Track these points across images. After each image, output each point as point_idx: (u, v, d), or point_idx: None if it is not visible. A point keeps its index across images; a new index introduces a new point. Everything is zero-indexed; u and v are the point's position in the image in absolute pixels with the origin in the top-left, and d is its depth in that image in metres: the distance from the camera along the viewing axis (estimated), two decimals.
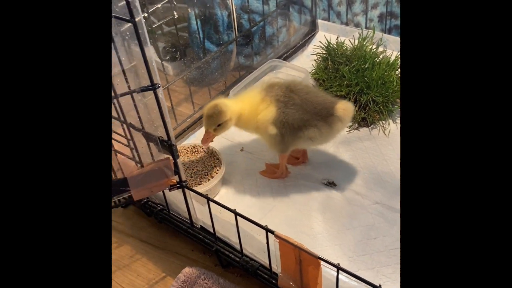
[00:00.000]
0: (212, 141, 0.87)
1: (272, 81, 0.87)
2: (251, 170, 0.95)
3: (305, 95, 0.83)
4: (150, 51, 0.58)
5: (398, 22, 1.21)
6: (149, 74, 0.59)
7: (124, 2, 0.55)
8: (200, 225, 0.79)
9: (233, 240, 0.75)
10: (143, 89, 0.60)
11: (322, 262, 0.59)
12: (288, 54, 1.26)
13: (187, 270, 0.76)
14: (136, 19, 0.54)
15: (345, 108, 0.82)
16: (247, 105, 0.83)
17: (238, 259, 0.72)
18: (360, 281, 0.56)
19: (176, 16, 1.03)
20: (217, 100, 0.82)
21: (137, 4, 0.54)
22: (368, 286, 0.55)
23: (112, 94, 0.62)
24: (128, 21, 0.54)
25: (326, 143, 0.89)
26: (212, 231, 0.75)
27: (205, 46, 1.11)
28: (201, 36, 1.10)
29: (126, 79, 0.61)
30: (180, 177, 0.71)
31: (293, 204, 0.86)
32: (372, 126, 1.02)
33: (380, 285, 0.54)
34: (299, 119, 0.81)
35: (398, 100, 1.05)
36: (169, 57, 1.16)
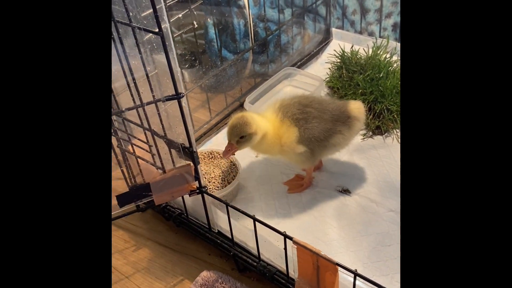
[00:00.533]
0: (234, 154, 0.84)
1: (283, 100, 0.85)
2: (267, 175, 0.97)
3: (319, 105, 0.83)
4: (176, 62, 0.60)
5: None
6: (174, 84, 0.61)
7: (149, 11, 0.58)
8: (218, 230, 0.81)
9: (251, 245, 0.76)
10: (168, 98, 0.62)
11: (339, 268, 0.61)
12: (303, 62, 1.28)
13: (205, 273, 0.78)
14: (163, 30, 0.56)
15: (357, 107, 0.85)
16: (270, 128, 0.80)
17: (255, 263, 0.74)
18: (376, 287, 0.57)
19: (196, 25, 1.06)
20: (244, 112, 0.80)
21: (165, 16, 0.56)
22: None
23: (138, 102, 0.64)
24: (155, 33, 0.56)
25: (347, 146, 0.90)
26: (230, 236, 0.77)
27: (222, 54, 1.14)
28: (219, 44, 1.12)
29: (151, 88, 0.63)
30: (200, 183, 0.73)
31: (309, 211, 0.88)
32: (386, 134, 1.03)
33: None
34: (323, 130, 0.81)
35: None
36: (188, 65, 1.19)
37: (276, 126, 0.80)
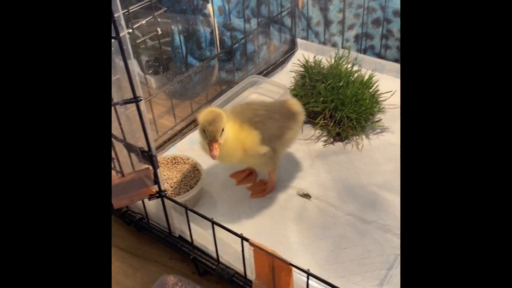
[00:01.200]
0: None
1: (234, 108, 0.87)
2: (230, 180, 0.98)
3: (267, 108, 0.88)
4: (134, 65, 0.61)
5: (373, 42, 1.27)
6: (132, 88, 0.62)
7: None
8: (179, 234, 0.82)
9: (210, 248, 0.77)
10: (126, 102, 0.63)
11: (293, 269, 0.62)
12: (269, 70, 1.31)
13: (164, 277, 0.79)
14: (121, 35, 0.58)
15: (295, 102, 0.91)
16: (231, 133, 0.80)
17: (214, 266, 0.75)
18: (329, 287, 0.59)
19: (160, 32, 1.07)
20: (208, 108, 0.79)
21: (122, 22, 0.57)
22: None
23: None
24: (113, 38, 0.57)
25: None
26: (190, 239, 0.77)
27: (187, 61, 1.15)
28: (184, 51, 1.13)
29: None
30: (159, 187, 0.74)
31: (270, 215, 0.90)
32: (346, 141, 1.06)
33: None
34: (279, 128, 0.86)
35: (371, 117, 1.10)
36: (152, 71, 1.20)
37: (236, 131, 0.81)
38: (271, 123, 0.85)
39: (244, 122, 0.82)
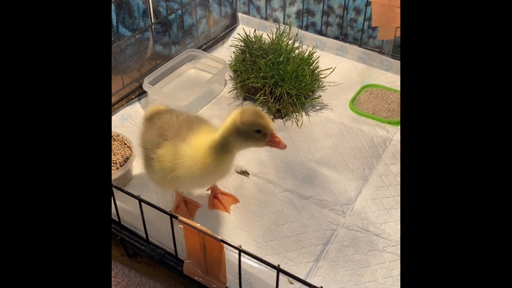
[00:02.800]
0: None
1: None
2: None
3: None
4: None
5: (314, 19, 1.26)
6: None
7: None
8: None
9: (140, 228, 0.72)
10: None
11: (225, 246, 0.59)
12: (208, 45, 1.26)
13: None
14: None
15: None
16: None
17: (143, 247, 0.71)
18: (261, 263, 0.57)
19: None
20: (240, 109, 0.67)
21: None
22: (269, 267, 0.57)
23: None
24: None
25: None
26: (117, 219, 0.72)
27: (118, 31, 1.07)
28: (115, 20, 1.05)
29: None
30: None
31: (204, 194, 0.86)
32: (286, 118, 1.04)
33: (278, 265, 0.55)
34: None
35: (311, 94, 1.09)
36: None
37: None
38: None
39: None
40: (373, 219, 0.82)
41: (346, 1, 1.18)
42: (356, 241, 0.78)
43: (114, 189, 0.67)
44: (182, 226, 0.62)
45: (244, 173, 0.91)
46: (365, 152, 0.95)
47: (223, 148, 0.67)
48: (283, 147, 0.68)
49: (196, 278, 0.66)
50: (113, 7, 1.05)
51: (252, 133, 0.66)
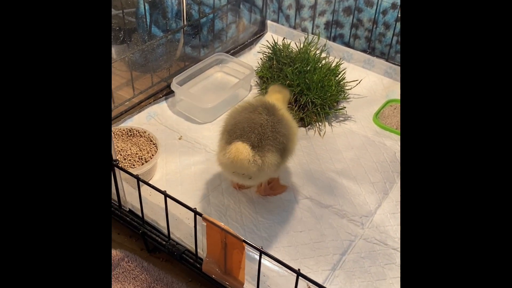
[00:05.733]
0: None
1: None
2: (188, 159, 0.94)
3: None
4: None
5: (343, 31, 1.27)
6: None
7: None
8: (129, 208, 0.78)
9: (162, 224, 0.74)
10: None
11: (246, 246, 0.60)
12: (236, 50, 1.27)
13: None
14: None
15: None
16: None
17: (164, 242, 0.72)
18: (281, 265, 0.58)
19: None
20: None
21: None
22: (288, 270, 0.57)
23: None
24: None
25: None
26: (140, 214, 0.74)
27: (151, 31, 1.10)
28: (148, 20, 1.08)
29: None
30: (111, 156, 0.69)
31: (227, 195, 0.87)
32: (309, 127, 1.05)
33: (299, 269, 0.56)
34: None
35: (335, 104, 1.09)
36: (112, 37, 1.13)
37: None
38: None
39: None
40: (391, 233, 0.82)
41: (376, 15, 1.19)
42: (373, 253, 0.78)
43: (140, 183, 0.68)
44: (205, 224, 0.63)
45: None
46: (386, 166, 0.95)
47: None
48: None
49: (214, 276, 0.67)
50: (147, 7, 1.08)
51: None
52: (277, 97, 0.86)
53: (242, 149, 0.69)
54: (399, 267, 0.76)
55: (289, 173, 0.93)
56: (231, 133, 0.73)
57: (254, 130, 0.72)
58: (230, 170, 0.73)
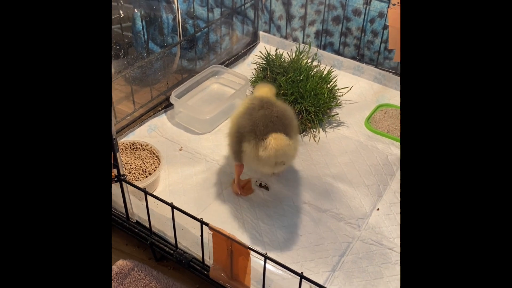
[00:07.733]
0: None
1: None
2: (190, 169, 0.98)
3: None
4: None
5: (332, 39, 1.31)
6: None
7: None
8: (136, 220, 0.81)
9: (168, 234, 0.77)
10: None
11: (251, 253, 0.64)
12: (230, 61, 1.32)
13: (120, 262, 0.78)
14: None
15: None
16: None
17: (172, 251, 0.75)
18: (285, 270, 0.62)
19: (122, 15, 1.05)
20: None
21: None
22: (292, 274, 0.61)
23: None
24: None
25: None
26: (148, 225, 0.77)
27: (148, 47, 1.14)
28: (145, 36, 1.12)
29: None
30: (118, 171, 0.73)
31: (228, 203, 0.91)
32: (304, 133, 1.09)
33: (302, 272, 0.60)
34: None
35: (328, 111, 1.14)
36: (112, 54, 1.17)
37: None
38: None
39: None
40: (386, 233, 0.86)
41: (364, 24, 1.24)
42: (370, 253, 0.83)
43: (148, 196, 0.72)
44: (211, 232, 0.67)
45: (264, 186, 0.95)
46: (380, 169, 1.00)
47: None
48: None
49: (221, 282, 0.70)
50: (144, 23, 1.11)
51: None
52: (266, 91, 0.94)
53: (281, 138, 0.78)
54: (395, 266, 0.80)
55: (288, 180, 0.97)
56: (257, 132, 0.80)
57: (275, 122, 0.80)
58: (273, 160, 0.80)
